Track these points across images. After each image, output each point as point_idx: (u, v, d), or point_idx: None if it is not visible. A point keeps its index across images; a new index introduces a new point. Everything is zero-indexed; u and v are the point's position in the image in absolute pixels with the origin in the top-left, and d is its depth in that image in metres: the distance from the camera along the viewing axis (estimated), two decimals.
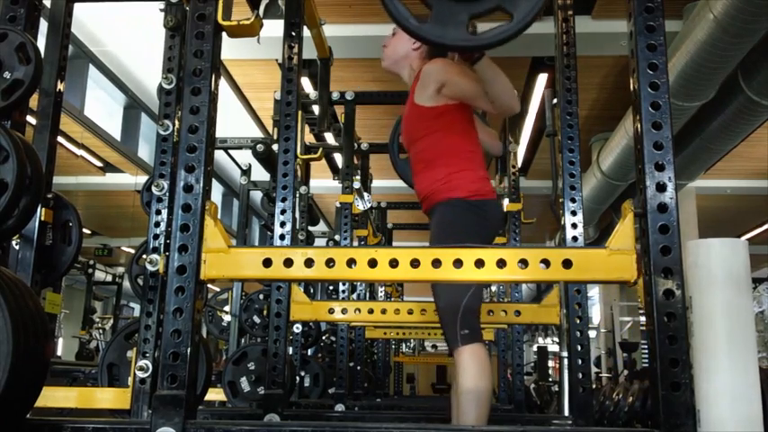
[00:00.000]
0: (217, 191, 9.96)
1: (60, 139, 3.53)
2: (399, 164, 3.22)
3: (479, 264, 1.35)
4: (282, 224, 2.55)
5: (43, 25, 2.01)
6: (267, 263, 1.38)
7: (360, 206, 4.26)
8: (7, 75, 1.43)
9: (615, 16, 5.35)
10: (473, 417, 2.03)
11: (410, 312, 2.76)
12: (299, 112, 2.68)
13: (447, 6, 1.26)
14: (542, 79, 6.38)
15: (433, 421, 3.34)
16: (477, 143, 2.35)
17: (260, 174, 4.73)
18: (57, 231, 2.18)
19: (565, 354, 3.02)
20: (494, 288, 7.72)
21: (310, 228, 5.00)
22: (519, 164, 5.00)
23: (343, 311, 2.76)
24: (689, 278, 1.53)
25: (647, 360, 5.40)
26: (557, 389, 6.22)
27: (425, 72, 2.28)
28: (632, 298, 10.87)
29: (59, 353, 10.94)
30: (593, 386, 4.51)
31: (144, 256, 2.44)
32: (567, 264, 1.34)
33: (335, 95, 4.10)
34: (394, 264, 1.36)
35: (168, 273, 1.36)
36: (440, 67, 2.26)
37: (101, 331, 10.42)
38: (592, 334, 5.86)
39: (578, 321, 2.50)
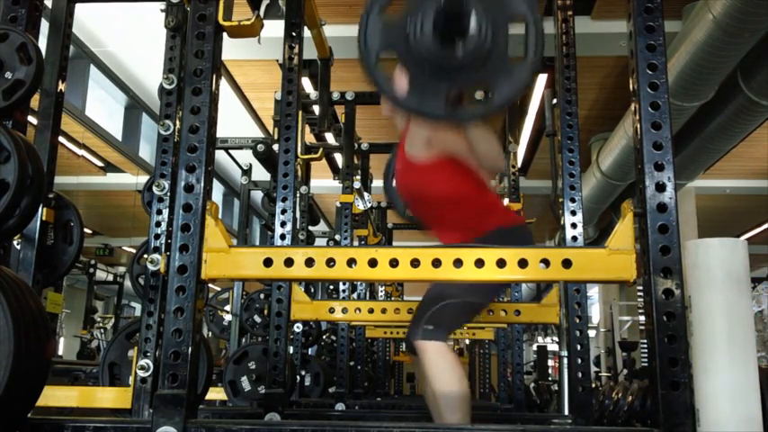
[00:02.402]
0: (217, 191, 9.96)
1: (61, 139, 3.53)
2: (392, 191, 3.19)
3: (479, 263, 1.36)
4: (283, 224, 2.55)
5: (44, 25, 2.02)
6: (268, 262, 1.38)
7: (360, 206, 4.27)
8: (8, 75, 1.43)
9: (615, 17, 5.36)
10: (454, 420, 2.00)
11: (410, 312, 2.75)
12: (300, 113, 2.69)
13: (428, 79, 1.24)
14: (542, 79, 6.38)
15: (433, 420, 3.34)
16: (479, 179, 2.26)
17: (260, 174, 4.74)
18: (58, 231, 2.19)
19: (564, 353, 3.02)
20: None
21: (311, 227, 5.01)
22: (519, 164, 5.00)
23: (344, 311, 2.76)
24: (688, 278, 1.54)
25: (646, 359, 5.41)
26: (556, 388, 6.22)
27: (413, 124, 2.24)
28: (632, 297, 10.88)
29: (61, 352, 10.95)
30: (593, 385, 4.51)
31: (145, 256, 2.44)
32: (566, 263, 1.34)
33: (336, 95, 4.11)
34: (394, 263, 1.37)
35: (169, 272, 1.36)
36: (426, 123, 2.17)
37: (102, 331, 10.42)
38: (591, 333, 5.86)
39: (578, 321, 2.50)
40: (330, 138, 5.64)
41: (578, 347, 2.48)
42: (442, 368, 2.02)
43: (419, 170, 2.24)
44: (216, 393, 3.34)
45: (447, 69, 1.23)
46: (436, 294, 2.12)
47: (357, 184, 4.19)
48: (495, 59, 1.23)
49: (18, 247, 2.09)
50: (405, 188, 2.37)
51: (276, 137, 3.73)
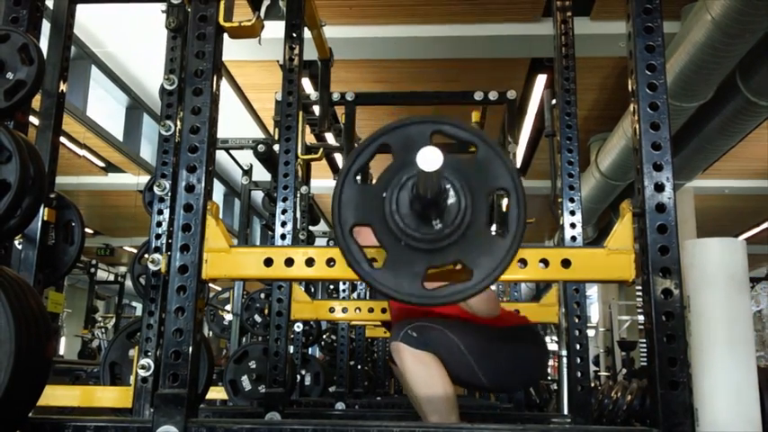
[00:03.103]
0: (218, 191, 9.97)
1: (63, 139, 3.54)
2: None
3: None
4: (283, 224, 2.56)
5: (46, 26, 2.02)
6: (268, 262, 1.39)
7: None
8: (10, 75, 1.44)
9: (614, 17, 5.36)
10: (436, 420, 1.97)
11: None
12: (300, 113, 2.69)
13: (404, 255, 1.15)
14: (541, 80, 6.39)
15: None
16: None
17: (261, 174, 4.74)
18: (59, 231, 2.19)
19: (564, 352, 3.03)
20: (493, 287, 7.73)
21: (311, 227, 5.01)
22: (518, 164, 5.00)
23: (344, 310, 2.77)
24: (687, 277, 1.55)
25: (645, 359, 5.41)
26: (556, 387, 6.23)
27: None
28: (631, 297, 10.89)
29: (62, 352, 10.97)
30: (592, 385, 4.52)
31: (146, 256, 2.45)
32: (565, 263, 1.34)
33: (336, 96, 4.11)
34: None
35: (170, 272, 1.37)
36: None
37: (103, 330, 10.43)
38: (590, 333, 5.86)
39: (577, 320, 2.50)
40: (330, 138, 5.64)
41: (577, 347, 2.49)
42: (421, 372, 1.97)
43: (416, 309, 2.14)
44: (216, 393, 3.34)
45: (424, 246, 1.15)
46: (442, 322, 2.06)
47: None
48: (474, 235, 1.15)
49: (19, 247, 2.10)
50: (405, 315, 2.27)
51: (276, 137, 3.74)
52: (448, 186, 1.14)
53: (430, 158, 1.02)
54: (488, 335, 2.12)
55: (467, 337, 2.06)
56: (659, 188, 1.32)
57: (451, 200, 1.14)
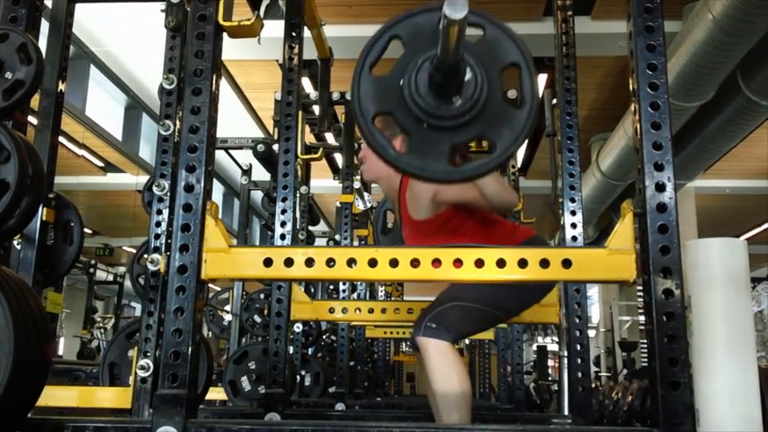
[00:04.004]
0: (217, 191, 9.97)
1: (61, 139, 3.53)
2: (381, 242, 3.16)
3: (479, 263, 1.36)
4: (283, 224, 2.55)
5: (44, 26, 2.02)
6: (268, 262, 1.38)
7: (360, 206, 4.27)
8: (9, 75, 1.43)
9: (614, 17, 5.36)
10: (454, 420, 1.99)
11: (410, 312, 2.76)
12: (300, 113, 2.69)
13: (427, 137, 1.19)
14: (542, 79, 6.38)
15: (433, 420, 3.34)
16: (487, 216, 2.25)
17: (260, 174, 4.74)
18: (58, 231, 2.19)
19: (564, 353, 3.03)
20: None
21: (311, 227, 5.01)
22: (519, 164, 5.01)
23: (344, 311, 2.76)
24: (688, 278, 1.54)
25: (646, 359, 5.41)
26: (556, 388, 6.23)
27: (414, 184, 2.19)
28: (631, 297, 10.89)
29: (61, 352, 10.96)
30: (593, 385, 4.52)
31: (145, 256, 2.44)
32: (566, 263, 1.34)
33: (336, 96, 4.11)
34: (394, 263, 1.37)
35: (169, 272, 1.36)
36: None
37: (102, 331, 10.43)
38: (591, 333, 5.86)
39: (578, 321, 2.50)
40: (330, 138, 5.64)
41: (578, 347, 2.48)
42: (441, 366, 2.00)
43: (430, 226, 2.20)
44: (216, 393, 3.34)
45: (446, 125, 1.19)
46: (449, 295, 2.11)
47: (357, 184, 4.19)
48: (492, 110, 1.19)
49: (18, 247, 2.09)
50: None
51: (276, 137, 3.73)
52: (464, 61, 1.17)
53: (457, 4, 1.03)
54: None
55: (479, 293, 2.09)
56: (660, 188, 1.32)
57: (468, 76, 1.18)
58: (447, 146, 1.18)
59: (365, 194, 4.35)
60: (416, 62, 1.18)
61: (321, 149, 4.18)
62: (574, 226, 2.54)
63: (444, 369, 2.00)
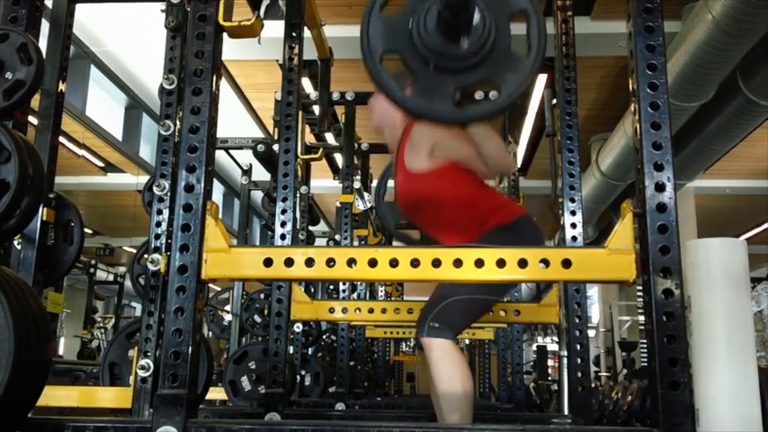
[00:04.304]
0: (218, 191, 9.97)
1: (62, 139, 3.54)
2: (383, 207, 3.17)
3: (479, 263, 1.36)
4: (283, 224, 2.56)
5: (45, 26, 2.02)
6: (268, 262, 1.38)
7: (360, 206, 4.27)
8: (9, 75, 1.43)
9: (614, 17, 5.35)
10: (454, 420, 2.00)
11: (410, 312, 2.76)
12: (300, 113, 2.69)
13: (433, 78, 1.22)
14: (542, 79, 6.37)
15: (433, 420, 3.34)
16: (480, 183, 2.26)
17: (261, 174, 4.74)
18: (58, 231, 2.19)
19: (564, 353, 3.03)
20: None
21: (311, 227, 5.01)
22: (518, 164, 5.01)
23: (344, 311, 2.76)
24: (688, 278, 1.54)
25: (645, 359, 5.41)
26: (556, 388, 6.23)
27: (415, 134, 2.21)
28: (631, 297, 10.88)
29: (61, 352, 10.95)
30: (593, 385, 4.52)
31: (145, 256, 2.44)
32: (566, 263, 1.34)
33: (336, 96, 4.11)
34: (394, 263, 1.37)
35: (169, 272, 1.36)
36: (430, 129, 2.16)
37: (102, 330, 10.43)
38: (591, 333, 5.87)
39: (577, 320, 2.50)
40: (330, 138, 5.64)
41: (578, 347, 2.48)
42: (445, 366, 2.02)
43: (422, 180, 2.21)
44: (216, 393, 3.34)
45: (452, 66, 1.21)
46: (442, 293, 2.12)
47: (357, 184, 4.19)
48: (499, 54, 1.22)
49: (18, 247, 2.10)
50: (406, 200, 2.33)
51: (276, 137, 3.73)
52: (473, 4, 1.19)
53: None
54: None
55: (474, 284, 2.07)
56: (660, 188, 1.32)
57: (476, 20, 1.20)
58: (452, 87, 1.21)
59: (365, 194, 4.35)
60: (424, 5, 1.21)
61: (321, 149, 4.19)
62: (574, 226, 2.54)
63: (447, 368, 2.01)
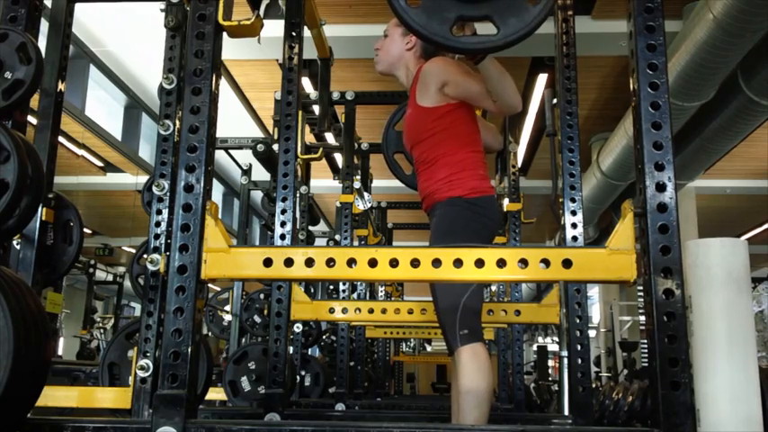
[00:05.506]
0: (217, 191, 9.97)
1: (61, 138, 3.53)
2: (394, 163, 3.18)
3: (479, 263, 1.36)
4: (283, 224, 2.55)
5: (44, 25, 2.02)
6: (268, 262, 1.38)
7: (360, 206, 4.27)
8: (8, 75, 1.43)
9: (615, 16, 5.36)
10: (473, 417, 2.03)
11: (410, 312, 2.76)
12: (300, 112, 2.68)
13: (439, 0, 1.26)
14: (542, 79, 6.38)
15: (433, 420, 3.34)
16: (479, 142, 2.35)
17: (260, 174, 4.74)
18: (58, 231, 2.19)
19: (565, 353, 3.03)
20: (494, 288, 7.76)
21: (311, 227, 5.00)
22: (519, 164, 5.01)
23: (344, 311, 2.76)
24: (688, 278, 1.54)
25: (646, 359, 5.40)
26: (556, 388, 6.22)
27: (426, 71, 2.27)
28: (632, 297, 10.88)
29: (60, 352, 10.93)
30: (593, 385, 4.51)
31: (145, 256, 2.44)
32: (566, 263, 1.34)
33: (336, 95, 4.11)
34: (394, 263, 1.37)
35: (169, 272, 1.36)
36: (441, 66, 2.24)
37: (102, 331, 10.41)
38: (591, 333, 5.86)
39: (578, 321, 2.50)
40: (330, 138, 5.64)
41: (578, 347, 2.48)
42: (473, 365, 2.08)
43: (427, 114, 2.28)
44: (216, 393, 3.34)
45: None
46: (449, 302, 2.16)
47: (357, 184, 4.18)
48: None
49: (18, 246, 2.09)
50: (410, 133, 2.40)
51: (276, 137, 3.73)
52: None
53: None
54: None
55: None
56: (661, 188, 1.32)
57: None
58: (454, 15, 1.26)
59: (365, 194, 4.34)
60: None
61: (321, 149, 4.17)
62: (574, 226, 2.54)
63: (475, 367, 2.08)
